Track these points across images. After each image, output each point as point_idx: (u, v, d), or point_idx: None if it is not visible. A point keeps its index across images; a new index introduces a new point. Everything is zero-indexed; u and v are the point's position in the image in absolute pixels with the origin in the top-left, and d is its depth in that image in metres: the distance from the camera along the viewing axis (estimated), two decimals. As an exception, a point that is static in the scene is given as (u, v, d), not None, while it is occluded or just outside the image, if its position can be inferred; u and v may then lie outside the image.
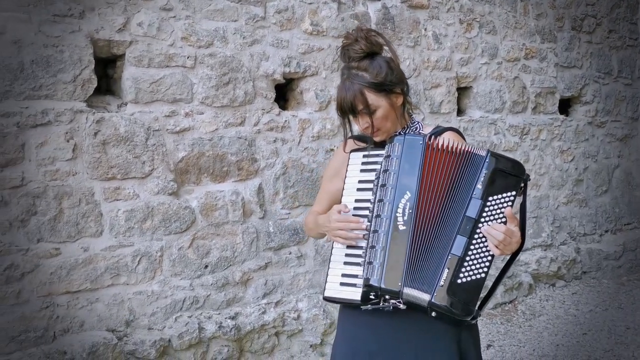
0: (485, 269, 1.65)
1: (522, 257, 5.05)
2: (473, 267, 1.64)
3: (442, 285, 1.62)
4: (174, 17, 3.45)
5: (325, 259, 4.00)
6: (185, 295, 3.46)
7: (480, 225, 1.66)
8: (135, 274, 3.31)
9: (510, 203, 1.69)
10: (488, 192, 1.67)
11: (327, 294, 1.78)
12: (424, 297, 1.63)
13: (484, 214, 1.67)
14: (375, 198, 1.74)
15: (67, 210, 3.11)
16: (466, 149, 1.72)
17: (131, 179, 3.30)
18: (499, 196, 1.68)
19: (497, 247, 1.64)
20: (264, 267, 3.76)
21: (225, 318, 3.48)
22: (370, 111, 1.80)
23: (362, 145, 1.91)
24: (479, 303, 1.68)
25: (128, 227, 3.28)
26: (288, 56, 3.86)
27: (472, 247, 1.65)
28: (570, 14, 5.59)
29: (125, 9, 3.29)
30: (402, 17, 4.42)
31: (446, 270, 1.63)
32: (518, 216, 1.74)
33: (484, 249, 1.65)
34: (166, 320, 3.38)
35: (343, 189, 1.85)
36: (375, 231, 1.69)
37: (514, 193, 1.69)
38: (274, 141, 3.82)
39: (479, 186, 1.68)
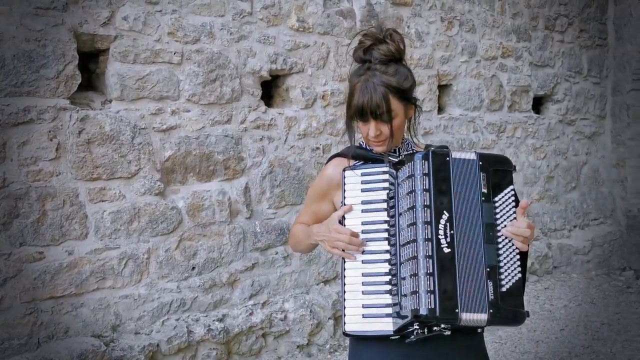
0: (519, 268, 1.62)
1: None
2: (509, 270, 1.60)
3: (492, 299, 1.55)
4: (160, 11, 3.34)
5: (312, 259, 3.97)
6: (173, 297, 3.38)
7: (497, 228, 1.63)
8: (122, 277, 3.21)
9: (513, 197, 1.67)
10: (493, 193, 1.65)
11: (349, 328, 1.63)
12: (481, 317, 1.55)
13: (497, 216, 1.64)
14: (397, 222, 1.63)
15: (50, 212, 2.98)
16: (460, 155, 1.67)
17: (117, 179, 3.19)
18: (502, 194, 1.65)
19: (523, 243, 1.62)
20: (250, 268, 3.70)
21: (213, 320, 3.42)
22: (390, 118, 1.71)
23: (351, 161, 1.81)
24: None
25: (114, 229, 3.18)
26: (275, 52, 3.79)
27: (500, 251, 1.61)
28: (544, 13, 5.69)
29: (110, 2, 3.16)
30: (386, 14, 4.40)
31: (490, 283, 1.57)
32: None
33: (511, 250, 1.62)
34: (153, 324, 3.30)
35: (343, 208, 1.71)
36: (413, 257, 1.56)
37: (512, 187, 1.68)
38: (261, 139, 3.75)
39: (484, 190, 1.64)
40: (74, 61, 3.05)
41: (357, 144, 1.86)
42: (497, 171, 1.66)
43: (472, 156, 1.66)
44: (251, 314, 3.59)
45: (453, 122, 4.91)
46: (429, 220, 1.57)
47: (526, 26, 5.52)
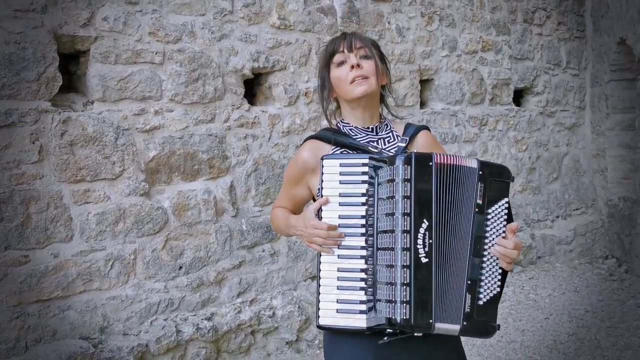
0: (499, 283, 1.62)
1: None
2: (489, 284, 1.61)
3: (468, 312, 1.57)
4: (140, 11, 3.33)
5: (298, 255, 3.99)
6: (160, 297, 3.38)
7: (486, 240, 1.61)
8: (109, 279, 3.20)
9: (506, 210, 1.64)
10: (487, 204, 1.61)
11: (323, 322, 1.64)
12: (454, 328, 1.57)
13: (488, 228, 1.62)
14: (375, 222, 1.61)
15: (34, 216, 2.97)
16: (460, 162, 1.62)
17: (101, 181, 3.19)
18: (496, 206, 1.63)
19: (508, 263, 1.62)
20: (238, 266, 3.71)
21: (202, 319, 3.43)
22: (366, 54, 1.77)
23: (326, 144, 1.78)
24: None
25: (99, 231, 3.17)
26: (257, 51, 3.80)
27: (484, 264, 1.61)
28: (522, 7, 5.74)
29: (89, 2, 3.15)
30: (366, 10, 4.42)
31: (469, 296, 1.57)
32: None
33: (495, 265, 1.62)
34: (141, 324, 3.30)
35: (320, 200, 1.67)
36: (390, 266, 1.56)
37: (507, 199, 1.64)
38: (245, 137, 3.76)
39: (479, 201, 1.60)
40: (55, 63, 3.04)
41: (334, 126, 1.85)
42: (495, 182, 1.63)
43: (474, 164, 1.63)
44: (239, 311, 3.60)
45: (435, 117, 4.95)
46: (408, 229, 1.55)
47: (505, 20, 5.57)
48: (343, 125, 1.83)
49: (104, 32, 3.20)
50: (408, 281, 1.53)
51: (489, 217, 1.62)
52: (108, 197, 3.21)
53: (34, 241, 2.97)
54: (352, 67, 1.75)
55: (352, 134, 1.81)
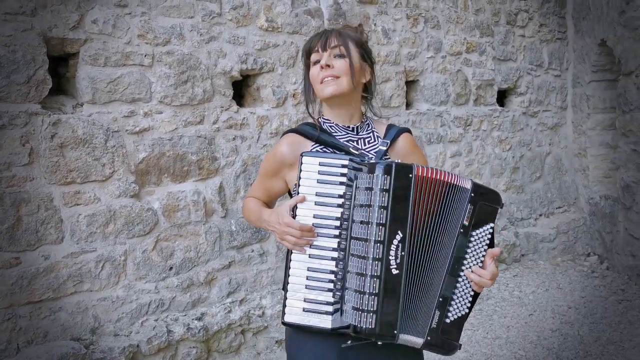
0: (469, 304, 1.64)
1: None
2: (459, 304, 1.63)
3: (434, 327, 1.60)
4: (130, 13, 3.35)
5: (287, 255, 4.03)
6: (151, 298, 3.40)
7: (465, 262, 1.63)
8: (99, 280, 3.22)
9: (489, 235, 1.66)
10: (473, 227, 1.63)
11: (288, 319, 1.62)
12: (418, 341, 1.60)
13: (469, 250, 1.63)
14: (350, 227, 1.59)
15: (25, 218, 2.98)
16: (451, 180, 1.62)
17: (91, 183, 3.20)
18: (481, 230, 1.64)
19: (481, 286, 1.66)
20: (227, 266, 3.75)
21: (192, 319, 3.46)
22: (340, 53, 1.74)
23: (306, 139, 1.77)
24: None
25: (90, 232, 3.19)
26: (245, 53, 3.83)
27: (457, 284, 1.63)
28: (505, 9, 5.83)
29: (79, 5, 3.17)
30: (353, 12, 4.48)
31: (437, 312, 1.60)
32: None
33: (468, 286, 1.64)
34: (132, 325, 3.32)
35: (296, 198, 1.64)
36: (361, 274, 1.56)
37: (492, 225, 1.65)
38: (233, 139, 3.79)
39: (465, 222, 1.61)
40: (44, 66, 3.05)
41: (315, 121, 1.83)
42: (485, 206, 1.64)
43: (467, 185, 1.63)
44: (229, 311, 3.64)
45: (421, 117, 5.02)
46: (381, 239, 1.55)
47: (488, 22, 5.66)
48: (324, 122, 1.83)
49: (93, 35, 3.22)
50: (377, 291, 1.55)
51: (472, 239, 1.63)
52: (98, 198, 3.22)
53: (24, 243, 2.98)
54: (322, 67, 1.75)
55: (332, 131, 1.80)
